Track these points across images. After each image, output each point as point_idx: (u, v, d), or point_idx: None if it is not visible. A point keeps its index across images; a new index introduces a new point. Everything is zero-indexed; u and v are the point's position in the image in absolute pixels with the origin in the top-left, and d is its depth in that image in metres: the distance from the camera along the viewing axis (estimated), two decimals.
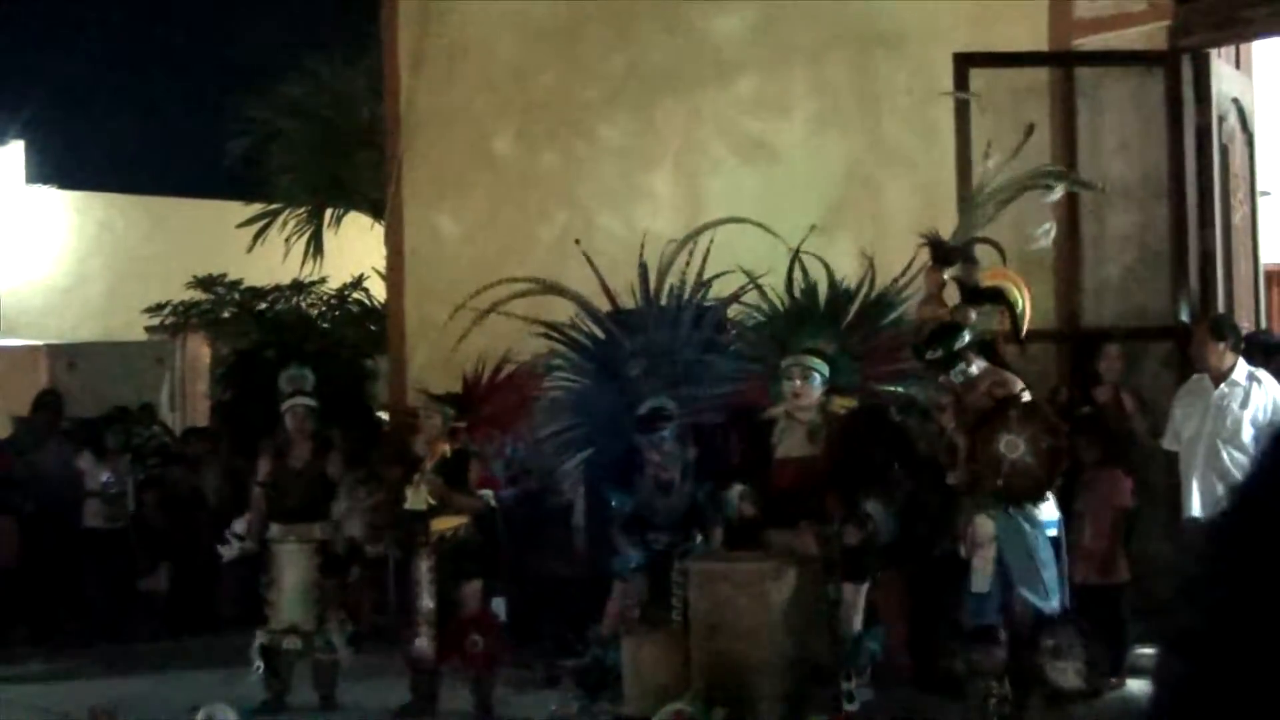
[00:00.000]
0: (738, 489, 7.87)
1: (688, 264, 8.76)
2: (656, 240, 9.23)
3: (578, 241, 9.28)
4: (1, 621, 12.00)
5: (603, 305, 9.03)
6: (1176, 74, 9.80)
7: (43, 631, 12.17)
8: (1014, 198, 8.04)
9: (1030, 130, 8.11)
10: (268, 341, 15.30)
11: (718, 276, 8.75)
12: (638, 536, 8.45)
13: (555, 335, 8.97)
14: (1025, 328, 7.90)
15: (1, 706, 9.61)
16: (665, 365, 8.57)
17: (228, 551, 9.81)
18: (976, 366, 7.60)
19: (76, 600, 12.49)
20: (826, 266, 8.45)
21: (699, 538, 8.26)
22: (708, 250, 8.75)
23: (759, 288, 8.60)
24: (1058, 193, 8.22)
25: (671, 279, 8.78)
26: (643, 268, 8.77)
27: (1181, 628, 1.70)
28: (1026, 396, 7.62)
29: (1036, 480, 7.35)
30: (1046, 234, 8.09)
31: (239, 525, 9.71)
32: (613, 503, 8.52)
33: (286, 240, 17.54)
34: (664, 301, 8.73)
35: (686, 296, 8.71)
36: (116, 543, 12.45)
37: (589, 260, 8.95)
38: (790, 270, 8.43)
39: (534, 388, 9.48)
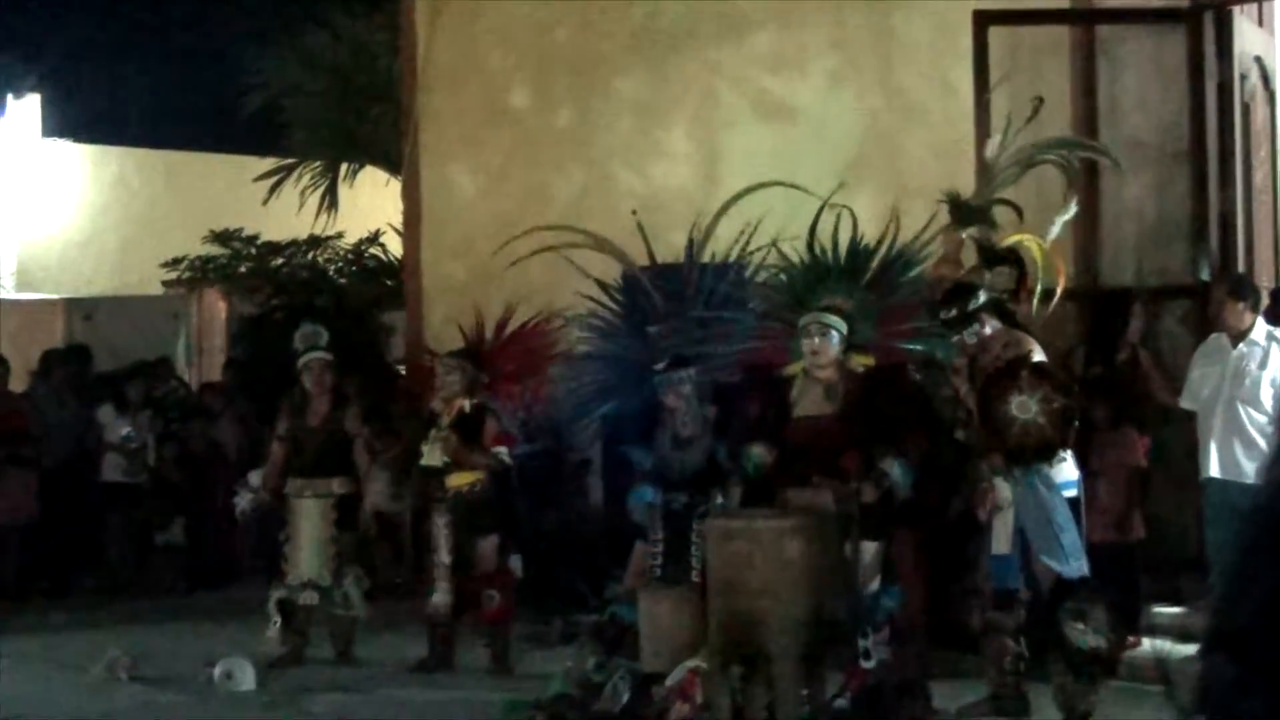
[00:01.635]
0: (756, 448, 7.86)
1: (738, 232, 8.75)
2: (673, 196, 9.19)
3: (634, 212, 9.20)
4: (20, 575, 12.06)
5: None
6: (1198, 31, 9.73)
7: (61, 585, 12.24)
8: (1034, 164, 8.01)
9: (1039, 105, 8.07)
10: (278, 304, 15.28)
11: (743, 234, 8.73)
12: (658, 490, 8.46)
13: (596, 295, 8.94)
14: (1039, 287, 7.87)
15: (20, 659, 9.66)
16: (687, 323, 8.55)
17: (242, 502, 9.86)
18: (990, 327, 7.59)
19: (95, 554, 12.55)
20: (853, 215, 8.37)
21: (718, 497, 8.26)
22: (757, 223, 8.71)
23: (777, 248, 8.56)
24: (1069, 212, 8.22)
25: (700, 239, 8.76)
26: (691, 240, 8.77)
27: (1227, 626, 1.67)
28: (1039, 357, 7.60)
29: (1048, 441, 7.34)
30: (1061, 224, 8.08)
31: (254, 477, 9.75)
32: (634, 460, 8.52)
33: (302, 194, 17.48)
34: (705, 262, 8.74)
35: (721, 259, 8.70)
36: (135, 496, 12.50)
37: (640, 229, 8.93)
38: (814, 225, 8.37)
39: (546, 341, 9.48)
